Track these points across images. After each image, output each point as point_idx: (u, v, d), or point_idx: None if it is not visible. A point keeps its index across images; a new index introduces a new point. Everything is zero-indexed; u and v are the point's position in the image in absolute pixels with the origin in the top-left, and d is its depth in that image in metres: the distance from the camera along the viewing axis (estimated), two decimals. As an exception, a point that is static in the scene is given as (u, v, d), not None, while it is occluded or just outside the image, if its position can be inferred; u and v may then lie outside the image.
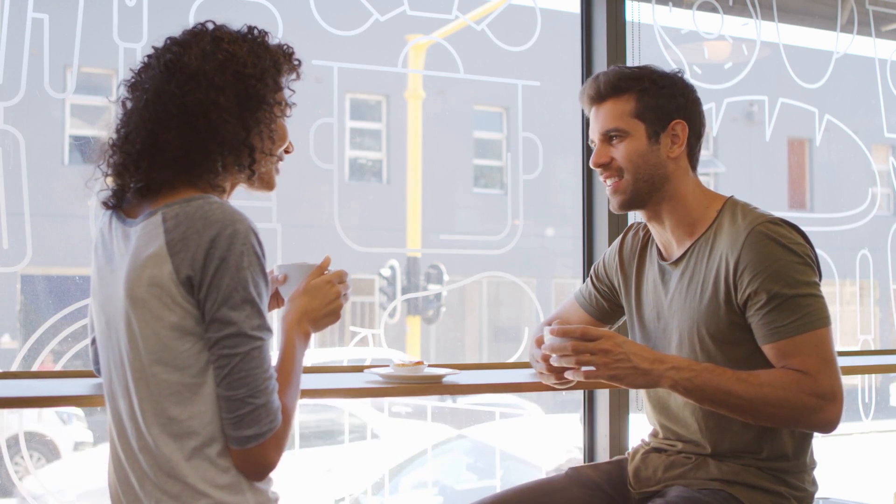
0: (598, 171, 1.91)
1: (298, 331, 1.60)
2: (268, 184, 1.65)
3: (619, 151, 1.86)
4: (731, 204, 1.85)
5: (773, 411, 1.68)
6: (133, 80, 1.56)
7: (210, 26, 1.56)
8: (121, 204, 1.56)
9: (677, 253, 1.89)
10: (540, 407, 6.36)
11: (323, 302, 1.64)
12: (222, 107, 1.49)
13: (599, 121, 1.89)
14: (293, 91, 1.64)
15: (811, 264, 1.74)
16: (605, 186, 1.92)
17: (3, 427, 2.66)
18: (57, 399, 1.96)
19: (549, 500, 1.92)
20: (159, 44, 1.56)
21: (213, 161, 1.50)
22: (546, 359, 1.82)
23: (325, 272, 1.68)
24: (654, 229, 1.94)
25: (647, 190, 1.86)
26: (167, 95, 1.49)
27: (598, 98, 1.89)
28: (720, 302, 1.78)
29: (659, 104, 1.85)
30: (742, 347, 1.78)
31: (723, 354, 1.79)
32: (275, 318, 1.72)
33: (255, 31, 1.58)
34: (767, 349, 1.73)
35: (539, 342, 2.01)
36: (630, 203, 1.88)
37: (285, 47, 1.61)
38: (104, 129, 1.58)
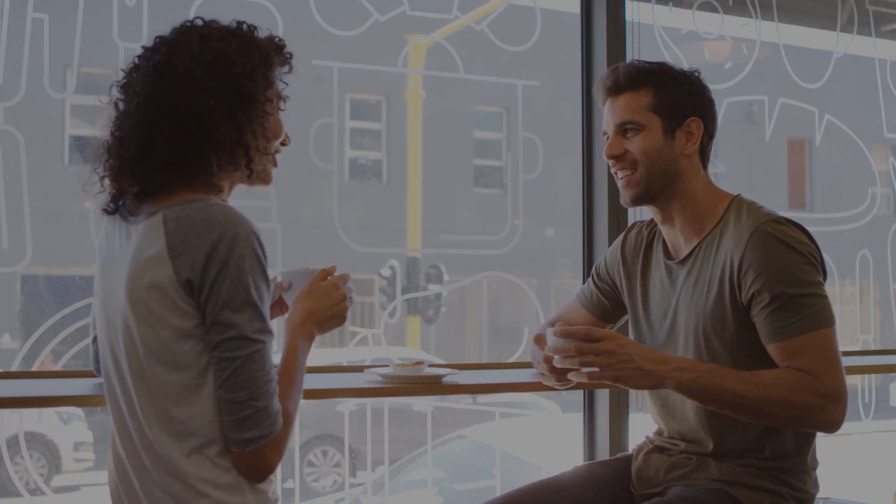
0: (610, 162, 1.89)
1: (302, 333, 1.59)
2: (264, 179, 1.63)
3: (634, 144, 1.85)
4: (737, 202, 1.85)
5: (778, 411, 1.68)
6: (124, 81, 1.54)
7: (199, 23, 1.54)
8: (120, 208, 1.55)
9: (685, 252, 1.89)
10: (558, 405, 6.35)
11: (328, 304, 1.63)
12: (213, 108, 1.47)
13: (615, 112, 1.87)
14: (286, 84, 1.62)
15: (815, 264, 1.74)
16: (617, 179, 1.90)
17: (3, 427, 2.66)
18: (57, 399, 1.96)
19: (558, 498, 1.91)
20: (149, 43, 1.54)
21: (208, 162, 1.49)
22: (548, 360, 1.82)
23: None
24: (665, 229, 1.93)
25: (660, 185, 1.85)
26: (158, 99, 1.48)
27: (616, 90, 1.87)
28: (725, 301, 1.77)
29: (676, 100, 1.85)
30: (748, 347, 1.77)
31: (728, 354, 1.78)
32: (278, 323, 1.71)
33: (245, 27, 1.56)
34: (771, 349, 1.73)
35: (538, 340, 2.00)
36: (642, 197, 1.87)
37: (276, 40, 1.59)
38: (102, 129, 1.57)
